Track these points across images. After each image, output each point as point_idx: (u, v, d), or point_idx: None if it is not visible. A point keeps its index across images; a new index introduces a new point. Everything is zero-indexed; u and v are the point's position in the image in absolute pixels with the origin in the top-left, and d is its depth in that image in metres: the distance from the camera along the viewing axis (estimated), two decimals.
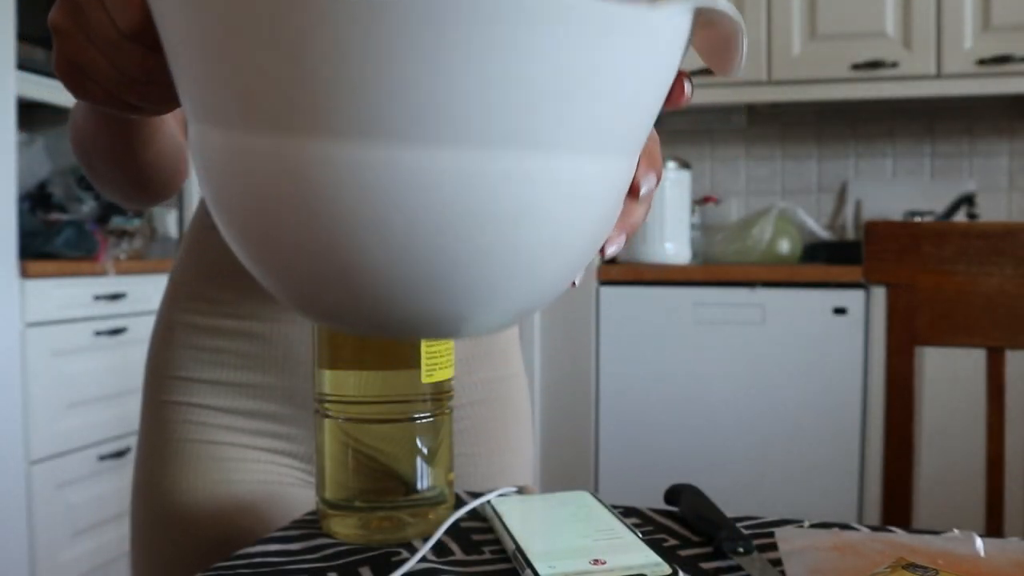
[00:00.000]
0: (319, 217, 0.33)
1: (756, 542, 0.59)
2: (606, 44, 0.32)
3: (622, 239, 0.47)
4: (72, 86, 0.45)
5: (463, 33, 0.30)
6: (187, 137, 0.47)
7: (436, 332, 0.39)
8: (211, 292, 0.76)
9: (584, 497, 0.63)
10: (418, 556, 0.53)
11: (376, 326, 0.38)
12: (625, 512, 0.66)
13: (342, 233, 0.33)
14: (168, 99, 0.45)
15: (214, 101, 0.34)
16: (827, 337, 2.33)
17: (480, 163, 0.32)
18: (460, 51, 0.30)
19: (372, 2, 0.29)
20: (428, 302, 0.36)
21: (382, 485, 0.57)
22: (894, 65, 2.44)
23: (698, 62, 2.58)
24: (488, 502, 0.61)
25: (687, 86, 0.42)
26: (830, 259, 2.49)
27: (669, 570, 0.50)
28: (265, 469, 0.75)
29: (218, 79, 0.33)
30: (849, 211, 2.81)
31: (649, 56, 0.34)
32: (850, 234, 2.80)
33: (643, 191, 0.45)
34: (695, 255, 2.71)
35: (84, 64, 0.43)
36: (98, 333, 2.24)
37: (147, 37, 0.41)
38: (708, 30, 0.37)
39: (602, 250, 0.47)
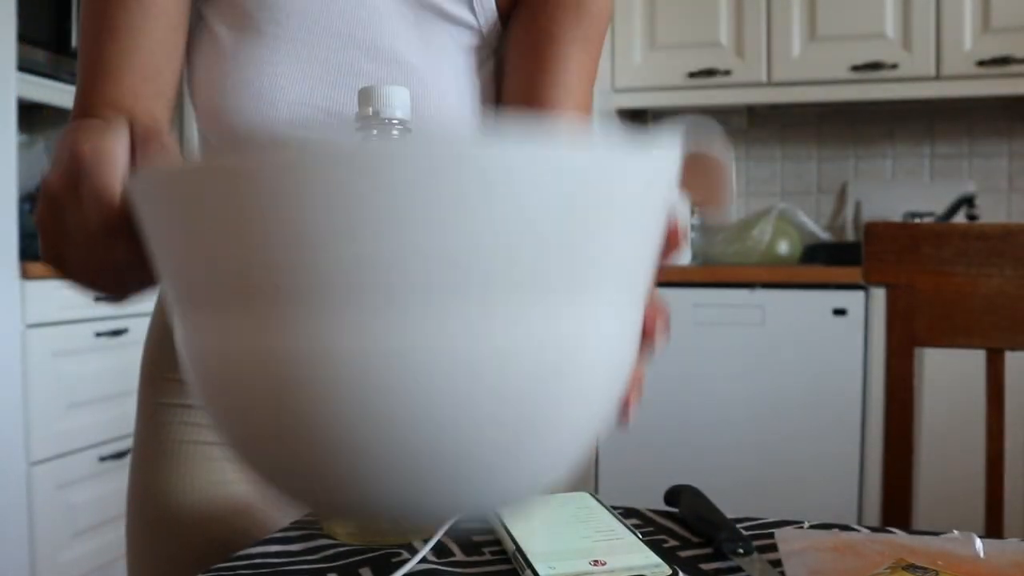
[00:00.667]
0: (304, 397, 0.31)
1: (756, 543, 0.60)
2: (594, 192, 0.31)
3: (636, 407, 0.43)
4: (57, 272, 0.47)
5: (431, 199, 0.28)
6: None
7: (427, 511, 0.35)
8: None
9: (584, 498, 0.63)
10: (418, 557, 0.54)
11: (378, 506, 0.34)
12: (625, 513, 0.66)
13: (326, 399, 0.31)
14: (148, 281, 0.45)
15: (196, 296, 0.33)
16: (827, 338, 2.33)
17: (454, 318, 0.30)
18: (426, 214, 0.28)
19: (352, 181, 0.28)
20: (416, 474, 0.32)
21: None
22: (894, 66, 2.45)
23: (699, 65, 2.58)
24: None
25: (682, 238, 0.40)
26: (830, 260, 2.49)
27: (669, 571, 0.51)
28: None
29: (199, 274, 0.32)
30: (849, 212, 2.81)
31: (637, 201, 0.33)
32: (850, 235, 2.80)
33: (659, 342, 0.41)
34: (695, 256, 2.71)
35: (65, 257, 0.45)
36: (99, 334, 2.24)
37: (123, 231, 0.41)
38: (696, 167, 0.37)
39: (624, 413, 0.42)
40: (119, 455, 2.31)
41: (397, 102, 0.60)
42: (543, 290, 0.31)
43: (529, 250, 0.30)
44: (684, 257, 0.49)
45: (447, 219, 0.28)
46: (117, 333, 2.29)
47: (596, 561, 0.51)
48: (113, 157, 0.43)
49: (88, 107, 0.65)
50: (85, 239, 0.43)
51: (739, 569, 0.55)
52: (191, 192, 0.31)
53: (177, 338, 0.37)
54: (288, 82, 0.68)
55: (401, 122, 0.60)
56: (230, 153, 0.29)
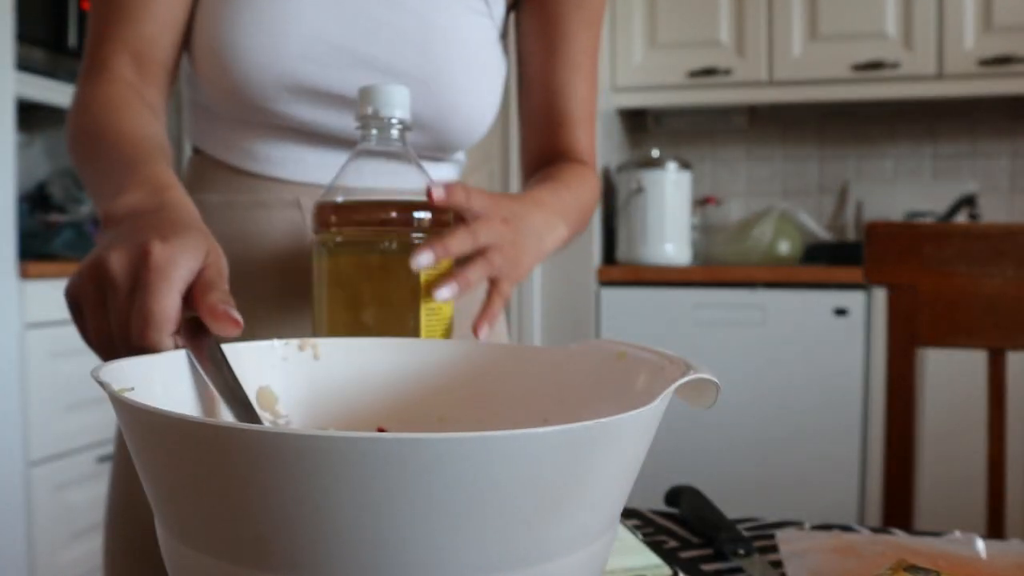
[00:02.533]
0: None
1: (757, 544, 0.59)
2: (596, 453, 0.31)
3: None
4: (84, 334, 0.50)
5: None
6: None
7: None
8: None
9: None
10: None
11: None
12: (625, 513, 0.65)
13: None
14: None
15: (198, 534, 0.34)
16: (828, 338, 2.32)
17: None
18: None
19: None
20: None
21: None
22: (895, 66, 2.44)
23: (699, 64, 2.58)
24: None
25: None
26: (831, 260, 2.49)
27: (669, 572, 0.50)
28: None
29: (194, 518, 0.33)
30: (850, 212, 2.81)
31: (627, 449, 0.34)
32: (851, 235, 2.79)
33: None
34: (696, 256, 2.70)
35: (93, 327, 0.48)
36: None
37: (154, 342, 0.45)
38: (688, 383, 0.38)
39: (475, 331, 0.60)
40: None
41: (397, 101, 0.59)
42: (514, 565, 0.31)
43: (504, 529, 0.30)
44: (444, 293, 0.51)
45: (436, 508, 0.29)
46: None
47: None
48: (174, 280, 0.46)
49: (106, 51, 0.70)
50: (118, 326, 0.46)
51: (740, 570, 0.55)
52: (198, 451, 0.31)
53: (158, 531, 0.37)
54: (301, 16, 0.69)
55: (401, 121, 0.60)
56: (244, 426, 0.29)
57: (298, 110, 0.71)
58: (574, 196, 0.76)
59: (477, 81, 0.75)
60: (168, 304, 0.45)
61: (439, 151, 0.77)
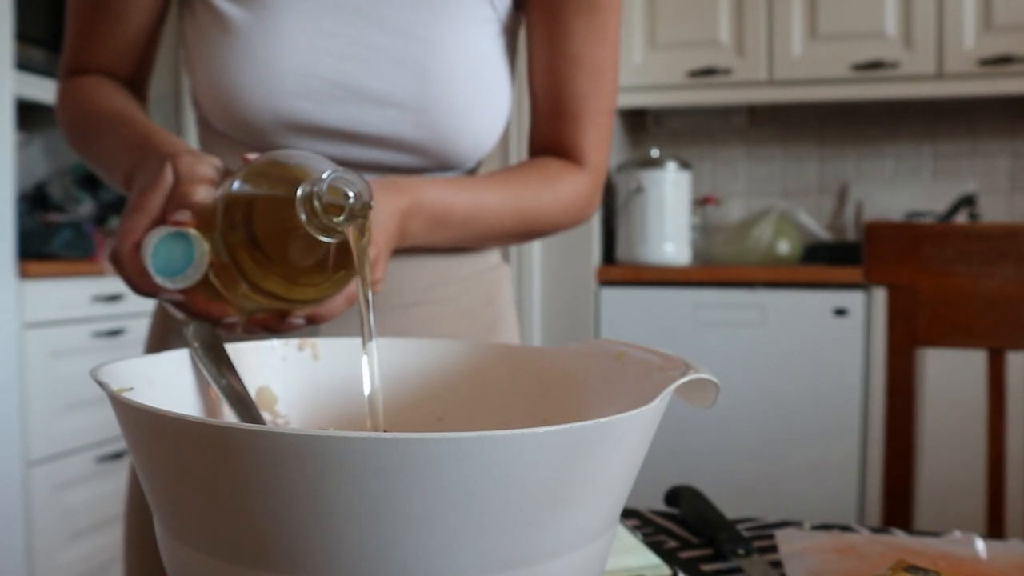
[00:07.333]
0: None
1: (757, 544, 0.59)
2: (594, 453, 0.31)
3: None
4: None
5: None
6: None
7: None
8: None
9: None
10: None
11: None
12: (625, 514, 0.65)
13: None
14: None
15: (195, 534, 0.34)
16: (827, 338, 2.32)
17: None
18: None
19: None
20: None
21: None
22: (895, 65, 2.44)
23: (699, 64, 2.58)
24: None
25: None
26: (831, 260, 2.48)
27: (669, 572, 0.50)
28: None
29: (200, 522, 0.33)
30: (850, 212, 2.81)
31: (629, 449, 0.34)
32: (851, 235, 2.79)
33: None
34: (695, 256, 2.70)
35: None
36: (96, 334, 2.24)
37: None
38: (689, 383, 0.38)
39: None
40: (116, 456, 2.31)
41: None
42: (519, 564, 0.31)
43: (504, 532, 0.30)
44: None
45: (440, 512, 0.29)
46: (115, 333, 2.29)
47: None
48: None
49: (80, 64, 0.78)
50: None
51: (739, 570, 0.54)
52: (197, 451, 0.31)
53: (156, 530, 0.37)
54: (294, 52, 0.68)
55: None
56: (239, 426, 0.29)
57: (298, 144, 0.71)
58: (517, 198, 0.76)
59: (482, 101, 0.74)
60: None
61: (443, 169, 0.76)
